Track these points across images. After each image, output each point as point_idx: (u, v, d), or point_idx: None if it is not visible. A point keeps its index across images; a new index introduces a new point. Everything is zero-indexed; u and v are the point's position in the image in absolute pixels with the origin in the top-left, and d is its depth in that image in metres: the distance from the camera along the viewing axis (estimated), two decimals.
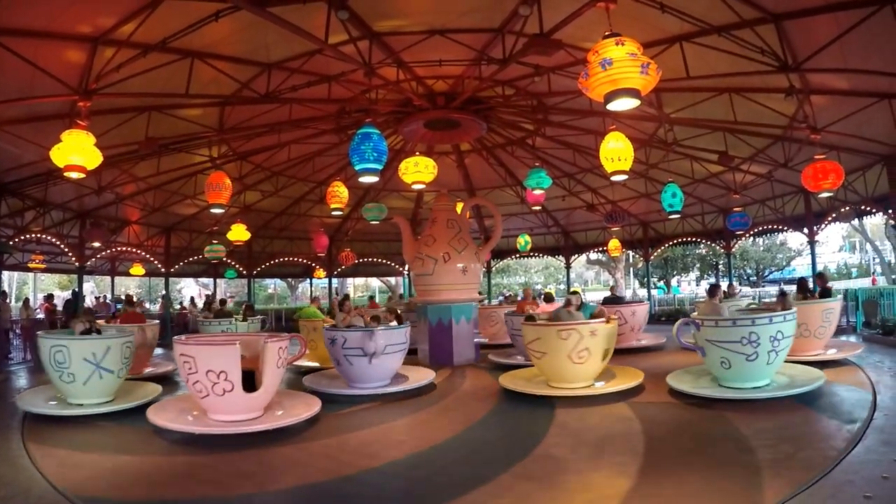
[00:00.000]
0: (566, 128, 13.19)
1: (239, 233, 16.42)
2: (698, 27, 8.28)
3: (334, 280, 29.76)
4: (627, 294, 32.99)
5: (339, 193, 12.70)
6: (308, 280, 29.80)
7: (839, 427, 6.33)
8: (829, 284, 11.62)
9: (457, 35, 9.19)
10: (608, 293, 17.22)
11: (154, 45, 8.09)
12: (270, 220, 21.24)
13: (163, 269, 21.06)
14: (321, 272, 24.97)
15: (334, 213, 13.43)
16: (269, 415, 7.12)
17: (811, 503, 4.34)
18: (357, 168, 9.13)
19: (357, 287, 58.41)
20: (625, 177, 9.68)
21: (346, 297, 16.31)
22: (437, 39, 9.26)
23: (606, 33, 5.86)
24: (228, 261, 21.88)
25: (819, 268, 55.17)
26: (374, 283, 53.21)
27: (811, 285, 11.73)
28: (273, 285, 51.87)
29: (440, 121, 11.27)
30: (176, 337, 7.81)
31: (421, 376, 9.62)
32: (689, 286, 47.65)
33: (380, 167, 9.13)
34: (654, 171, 15.92)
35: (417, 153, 11.84)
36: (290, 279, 41.21)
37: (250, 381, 6.97)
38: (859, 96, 9.91)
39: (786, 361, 8.09)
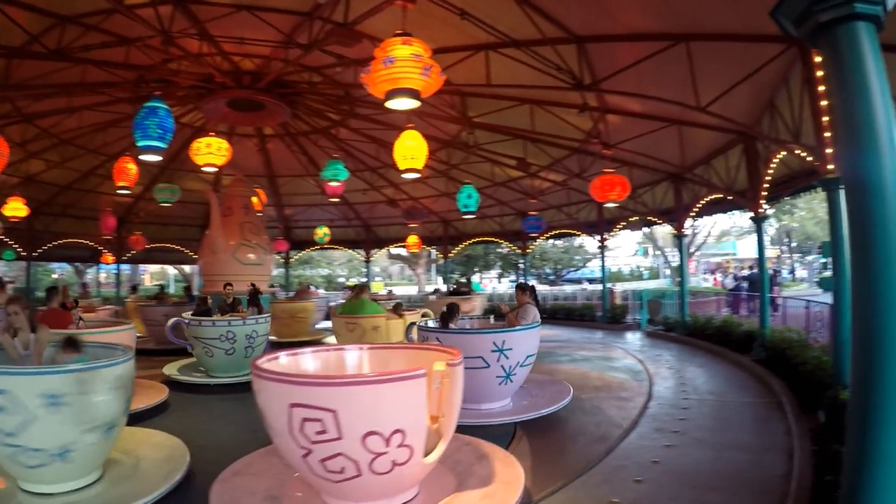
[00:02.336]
0: (371, 121, 13.62)
1: (16, 208, 15.00)
2: (500, 39, 8.87)
3: (125, 266, 28.12)
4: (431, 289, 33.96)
5: (129, 170, 12.01)
6: (97, 265, 27.58)
7: (616, 416, 7.20)
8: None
9: (266, 14, 9.20)
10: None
11: None
12: (55, 194, 19.29)
13: None
14: (110, 257, 23.19)
15: (121, 192, 12.75)
16: None
17: (585, 488, 4.91)
18: (139, 144, 8.78)
19: (153, 275, 55.24)
20: (416, 175, 10.18)
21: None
22: (245, 15, 9.19)
23: (397, 31, 6.22)
24: (5, 239, 19.76)
25: (613, 269, 59.84)
26: (171, 270, 50.43)
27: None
28: (60, 270, 47.37)
29: (244, 101, 11.05)
30: None
31: None
32: (491, 283, 50.15)
33: (164, 145, 8.86)
34: (456, 171, 16.83)
35: (211, 134, 11.53)
36: (77, 263, 37.82)
37: None
38: (652, 119, 11.21)
39: None
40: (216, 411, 8.11)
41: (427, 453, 4.03)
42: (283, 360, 4.83)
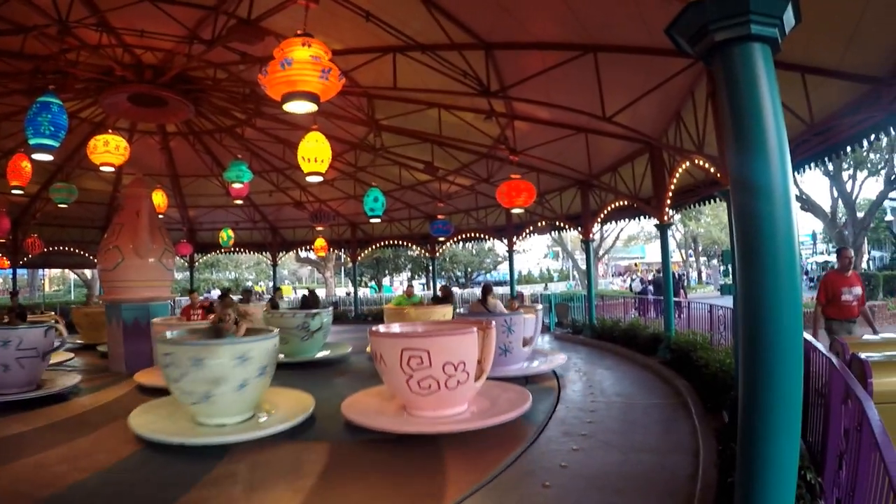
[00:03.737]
0: (278, 121, 13.44)
1: None
2: (407, 42, 8.84)
3: (21, 270, 26.71)
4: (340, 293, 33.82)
5: (23, 168, 11.31)
6: None
7: (524, 420, 7.28)
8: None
9: (169, 7, 8.83)
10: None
11: None
12: None
13: None
14: (5, 261, 21.79)
15: (15, 191, 12.14)
16: None
17: (493, 496, 4.97)
18: (31, 143, 8.30)
19: (53, 279, 53.17)
20: (320, 178, 10.03)
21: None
22: (147, 6, 8.72)
23: (298, 32, 6.14)
24: None
25: (524, 272, 60.65)
26: (71, 275, 48.46)
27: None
28: None
29: (146, 96, 10.61)
30: None
31: None
32: (402, 286, 50.38)
33: (56, 144, 8.40)
34: (363, 173, 16.83)
35: (110, 131, 10.99)
36: None
37: None
38: (559, 127, 11.44)
39: None
40: (307, 381, 10.00)
41: (476, 379, 7.10)
42: (395, 328, 8.45)
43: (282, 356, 10.36)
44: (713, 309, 11.87)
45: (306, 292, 14.07)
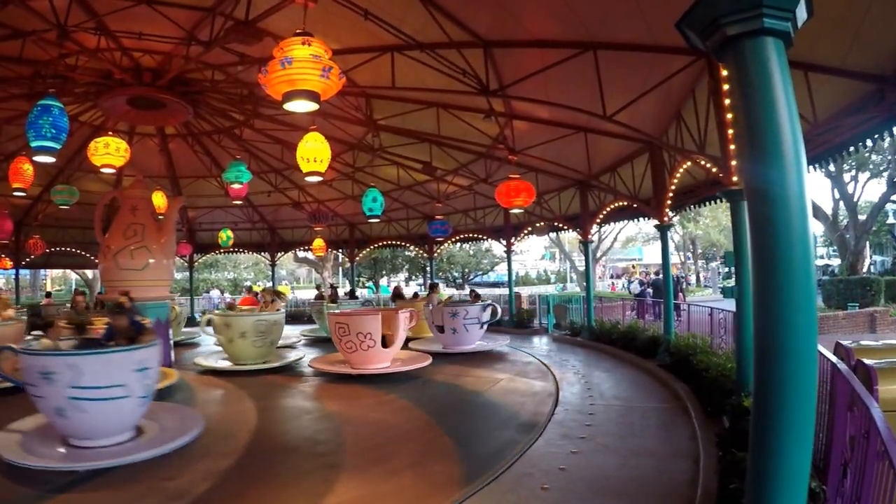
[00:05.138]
0: (276, 122, 13.44)
1: None
2: (405, 41, 8.81)
3: (24, 271, 27.08)
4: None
5: (24, 171, 11.58)
6: None
7: (523, 422, 7.30)
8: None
9: (167, 9, 8.85)
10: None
11: None
12: None
13: None
14: (7, 262, 22.10)
15: (17, 193, 12.22)
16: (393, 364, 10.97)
17: (491, 497, 4.95)
18: (32, 145, 8.37)
19: (55, 279, 53.52)
20: (319, 178, 10.03)
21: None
22: (145, 9, 8.79)
23: (298, 31, 6.10)
24: None
25: (521, 273, 60.82)
26: (73, 275, 48.87)
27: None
28: None
29: (145, 99, 10.69)
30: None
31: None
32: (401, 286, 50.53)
33: (58, 146, 8.44)
34: (361, 174, 16.81)
35: (111, 133, 11.14)
36: None
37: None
38: (558, 126, 11.40)
39: None
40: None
41: (386, 346, 10.71)
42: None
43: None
44: (713, 312, 11.79)
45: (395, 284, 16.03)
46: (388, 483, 5.37)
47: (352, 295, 21.54)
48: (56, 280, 55.05)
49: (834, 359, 5.01)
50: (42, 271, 43.17)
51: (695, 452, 5.93)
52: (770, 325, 2.62)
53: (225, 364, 11.65)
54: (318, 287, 23.25)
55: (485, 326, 14.25)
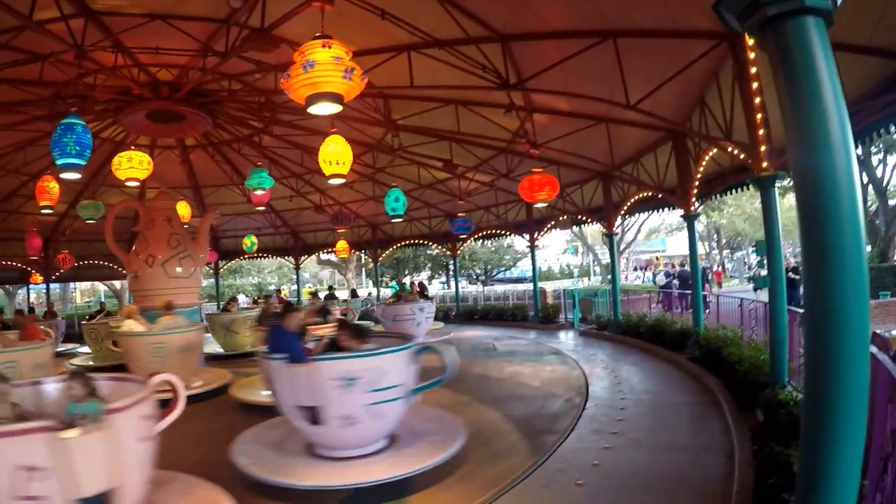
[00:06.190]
0: (294, 127, 13.45)
1: None
2: (422, 39, 8.77)
3: (54, 285, 27.82)
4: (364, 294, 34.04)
5: (51, 189, 11.92)
6: (27, 286, 27.06)
7: (554, 418, 7.26)
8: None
9: (181, 22, 8.90)
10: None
11: None
12: None
13: None
14: (38, 277, 22.83)
15: (44, 211, 12.57)
16: None
17: (526, 493, 4.96)
18: (58, 163, 8.52)
19: (84, 292, 55.01)
20: (342, 180, 10.04)
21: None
22: (159, 24, 8.87)
23: (317, 34, 6.08)
24: None
25: (544, 268, 60.48)
26: (101, 287, 49.91)
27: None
28: None
29: (164, 112, 10.85)
30: None
31: None
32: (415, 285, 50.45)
33: (82, 162, 8.58)
34: (382, 174, 16.82)
35: (133, 147, 11.32)
36: (7, 286, 36.46)
37: None
38: (579, 118, 11.32)
39: None
40: None
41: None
42: None
43: None
44: (743, 303, 11.60)
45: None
46: (421, 480, 5.24)
47: (353, 294, 22.78)
48: (85, 292, 56.10)
49: (874, 349, 4.86)
50: (71, 284, 43.85)
51: (728, 447, 5.85)
52: (822, 314, 2.54)
53: None
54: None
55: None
